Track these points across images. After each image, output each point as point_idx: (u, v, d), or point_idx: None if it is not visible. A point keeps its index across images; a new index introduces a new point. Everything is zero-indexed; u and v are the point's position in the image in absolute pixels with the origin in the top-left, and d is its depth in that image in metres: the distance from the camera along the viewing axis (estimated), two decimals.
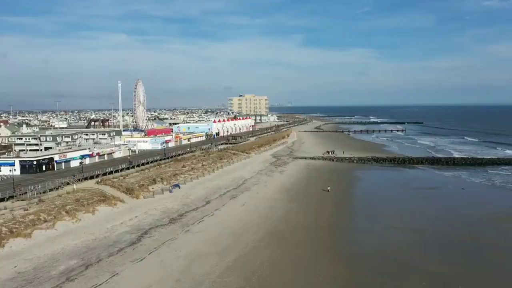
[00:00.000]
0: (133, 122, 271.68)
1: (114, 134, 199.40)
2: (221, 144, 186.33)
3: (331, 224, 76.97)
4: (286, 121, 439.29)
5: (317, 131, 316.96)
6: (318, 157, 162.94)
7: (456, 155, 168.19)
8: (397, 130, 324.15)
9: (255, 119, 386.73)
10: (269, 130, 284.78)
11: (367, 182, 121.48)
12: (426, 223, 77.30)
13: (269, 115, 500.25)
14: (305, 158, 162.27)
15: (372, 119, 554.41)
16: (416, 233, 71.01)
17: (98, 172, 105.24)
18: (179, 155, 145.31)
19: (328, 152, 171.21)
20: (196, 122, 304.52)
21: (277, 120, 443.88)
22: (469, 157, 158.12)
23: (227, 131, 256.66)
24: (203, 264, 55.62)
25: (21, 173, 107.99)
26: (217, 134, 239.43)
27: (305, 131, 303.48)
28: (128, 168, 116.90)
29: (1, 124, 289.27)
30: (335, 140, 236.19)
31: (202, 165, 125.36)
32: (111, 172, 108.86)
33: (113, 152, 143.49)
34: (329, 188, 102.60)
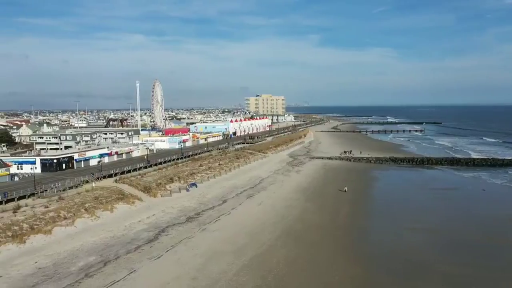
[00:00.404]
0: (151, 121, 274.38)
1: (132, 133, 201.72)
2: (238, 143, 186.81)
3: (347, 224, 76.54)
4: (303, 121, 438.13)
5: (334, 131, 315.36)
6: (335, 157, 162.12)
7: (474, 155, 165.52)
8: (415, 131, 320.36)
9: (272, 119, 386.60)
10: (286, 130, 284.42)
11: (385, 182, 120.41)
12: (444, 224, 76.26)
13: (286, 115, 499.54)
14: (322, 158, 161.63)
15: (390, 119, 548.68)
16: (433, 234, 70.11)
17: (117, 171, 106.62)
18: (196, 154, 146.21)
19: (345, 152, 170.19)
20: (213, 121, 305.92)
21: (294, 120, 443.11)
22: (489, 158, 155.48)
23: (244, 131, 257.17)
24: (219, 263, 55.90)
25: (41, 171, 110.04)
26: (234, 133, 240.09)
27: (322, 131, 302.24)
28: (146, 167, 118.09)
29: (23, 123, 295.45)
30: (352, 140, 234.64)
31: (219, 165, 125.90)
32: (129, 171, 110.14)
33: (131, 151, 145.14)
34: (346, 188, 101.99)
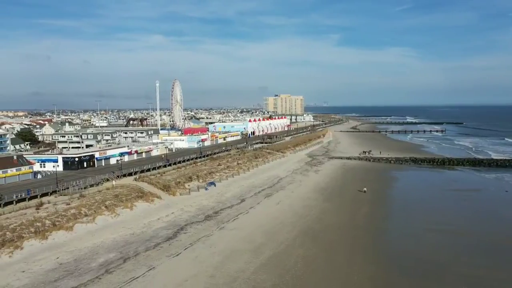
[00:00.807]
0: (170, 121, 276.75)
1: (152, 132, 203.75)
2: (256, 143, 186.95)
3: (366, 224, 75.89)
4: (322, 121, 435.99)
5: (353, 131, 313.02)
6: (354, 157, 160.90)
7: (495, 156, 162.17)
8: (436, 131, 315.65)
9: (291, 119, 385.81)
10: (305, 130, 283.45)
11: (404, 183, 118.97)
12: (466, 226, 75.00)
13: (304, 115, 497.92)
14: (341, 158, 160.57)
15: (409, 119, 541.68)
16: (454, 236, 68.99)
17: (136, 169, 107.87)
18: (214, 153, 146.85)
19: (364, 152, 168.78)
20: (232, 121, 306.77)
21: (312, 120, 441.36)
22: None
23: (262, 131, 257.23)
24: (237, 261, 56.08)
25: (63, 169, 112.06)
26: (253, 133, 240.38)
27: (341, 131, 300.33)
28: (165, 166, 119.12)
29: (46, 122, 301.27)
30: (371, 140, 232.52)
31: (237, 164, 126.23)
32: (148, 170, 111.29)
33: (150, 150, 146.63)
34: (365, 189, 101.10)
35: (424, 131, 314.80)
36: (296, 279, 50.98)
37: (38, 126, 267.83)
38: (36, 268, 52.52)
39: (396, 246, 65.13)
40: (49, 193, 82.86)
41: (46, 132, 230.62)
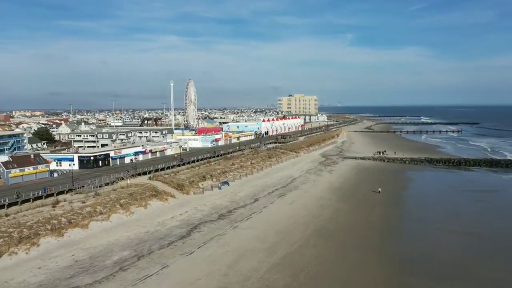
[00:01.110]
0: (184, 121, 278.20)
1: (166, 132, 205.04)
2: (270, 143, 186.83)
3: (380, 225, 75.27)
4: (336, 121, 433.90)
5: (367, 131, 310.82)
6: (368, 157, 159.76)
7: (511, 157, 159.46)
8: (452, 131, 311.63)
9: (305, 119, 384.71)
10: (319, 130, 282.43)
11: (420, 183, 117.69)
12: (482, 227, 73.88)
13: (318, 115, 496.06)
14: (355, 158, 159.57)
15: (424, 119, 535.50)
16: (471, 237, 68.09)
17: (151, 168, 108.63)
18: (228, 153, 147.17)
19: (379, 152, 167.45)
20: (246, 121, 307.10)
21: (326, 120, 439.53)
22: None
23: (276, 130, 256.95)
24: (250, 260, 56.10)
25: (79, 167, 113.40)
26: (266, 133, 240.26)
27: (355, 131, 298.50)
28: (179, 165, 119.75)
29: (62, 122, 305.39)
30: (386, 141, 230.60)
31: (251, 163, 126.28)
32: (163, 169, 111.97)
33: (165, 150, 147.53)
34: (379, 189, 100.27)
35: (440, 131, 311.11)
36: (309, 279, 50.80)
37: (54, 126, 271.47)
38: (52, 264, 53.25)
39: (411, 247, 64.45)
40: (65, 191, 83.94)
41: (62, 131, 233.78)
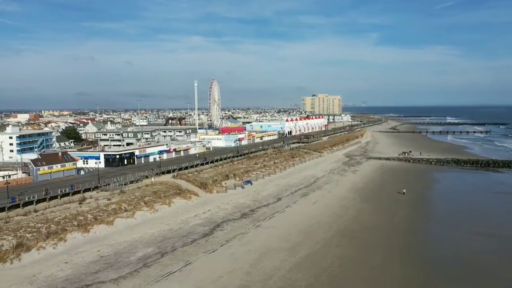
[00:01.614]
0: (208, 120, 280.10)
1: (190, 131, 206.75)
2: (293, 142, 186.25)
3: (405, 226, 74.10)
4: (360, 121, 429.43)
5: (392, 132, 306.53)
6: (393, 158, 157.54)
7: None
8: (480, 132, 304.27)
9: (328, 119, 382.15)
10: (342, 130, 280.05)
11: (446, 185, 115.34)
12: (510, 230, 71.92)
13: (342, 115, 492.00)
14: (379, 158, 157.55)
15: (449, 119, 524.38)
16: (498, 240, 66.28)
17: (175, 167, 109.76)
18: (251, 152, 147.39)
19: (404, 152, 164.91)
20: (269, 121, 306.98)
21: (350, 120, 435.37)
22: None
23: (300, 130, 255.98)
24: (273, 259, 56.02)
25: (105, 166, 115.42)
26: (290, 133, 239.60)
27: (379, 131, 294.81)
28: (202, 164, 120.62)
29: (89, 121, 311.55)
30: (411, 141, 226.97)
31: (274, 163, 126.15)
32: (186, 167, 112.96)
33: (188, 149, 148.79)
34: (404, 190, 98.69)
35: (467, 132, 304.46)
36: (332, 279, 50.40)
37: (81, 125, 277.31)
38: (78, 259, 54.34)
39: (436, 249, 63.25)
40: (91, 189, 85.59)
41: (89, 130, 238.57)
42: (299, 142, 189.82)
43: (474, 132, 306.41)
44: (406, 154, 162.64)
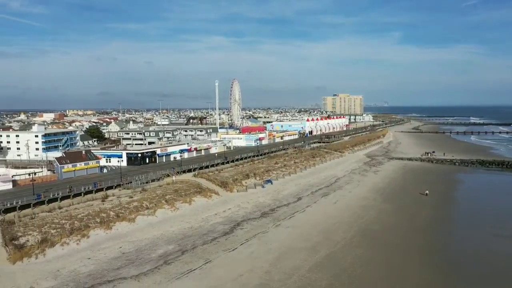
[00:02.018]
0: (228, 120, 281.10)
1: (211, 131, 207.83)
2: (314, 142, 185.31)
3: (427, 227, 72.93)
4: (382, 121, 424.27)
5: (415, 132, 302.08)
6: (415, 158, 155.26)
7: None
8: (506, 132, 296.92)
9: (349, 119, 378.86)
10: (364, 130, 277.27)
11: (470, 186, 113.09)
12: None
13: (363, 115, 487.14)
14: (401, 158, 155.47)
15: (473, 119, 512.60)
16: None
17: (196, 166, 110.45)
18: (272, 152, 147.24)
19: (427, 153, 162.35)
20: (290, 120, 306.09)
21: (372, 120, 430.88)
22: None
23: (320, 130, 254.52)
24: (293, 258, 55.89)
25: (127, 164, 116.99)
26: (310, 132, 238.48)
27: (402, 132, 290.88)
28: (223, 163, 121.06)
29: (112, 120, 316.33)
30: (434, 141, 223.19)
31: (294, 163, 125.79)
32: (207, 166, 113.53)
33: (209, 148, 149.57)
34: (427, 191, 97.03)
35: (492, 132, 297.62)
36: (352, 279, 50.01)
37: (104, 124, 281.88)
38: (100, 256, 55.26)
39: (458, 251, 62.09)
40: (113, 187, 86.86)
41: (111, 129, 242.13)
42: (320, 142, 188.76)
43: (500, 132, 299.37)
44: (429, 154, 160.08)
